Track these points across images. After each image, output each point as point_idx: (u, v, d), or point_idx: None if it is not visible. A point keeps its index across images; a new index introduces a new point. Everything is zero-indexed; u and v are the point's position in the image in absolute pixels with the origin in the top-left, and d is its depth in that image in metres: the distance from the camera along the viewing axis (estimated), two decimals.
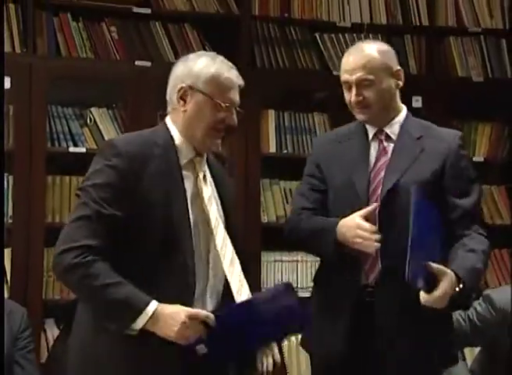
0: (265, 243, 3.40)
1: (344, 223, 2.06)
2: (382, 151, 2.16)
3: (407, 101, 2.31)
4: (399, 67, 2.19)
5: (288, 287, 1.85)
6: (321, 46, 3.64)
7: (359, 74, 2.11)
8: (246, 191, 3.40)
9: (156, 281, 1.82)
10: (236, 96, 1.95)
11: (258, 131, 3.45)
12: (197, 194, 1.92)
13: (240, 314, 1.80)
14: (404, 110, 2.23)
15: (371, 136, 2.18)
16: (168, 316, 1.76)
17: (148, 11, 3.44)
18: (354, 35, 3.67)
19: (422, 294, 1.94)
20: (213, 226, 1.90)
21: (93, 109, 3.34)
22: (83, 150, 3.24)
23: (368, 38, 3.59)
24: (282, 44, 3.59)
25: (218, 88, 1.92)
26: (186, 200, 1.89)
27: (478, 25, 3.82)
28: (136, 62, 3.37)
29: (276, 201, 3.53)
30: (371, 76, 2.11)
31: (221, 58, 1.98)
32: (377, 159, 2.15)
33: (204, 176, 1.95)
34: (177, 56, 3.06)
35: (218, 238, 1.90)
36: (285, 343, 2.79)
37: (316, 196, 2.23)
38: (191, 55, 1.98)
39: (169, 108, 1.98)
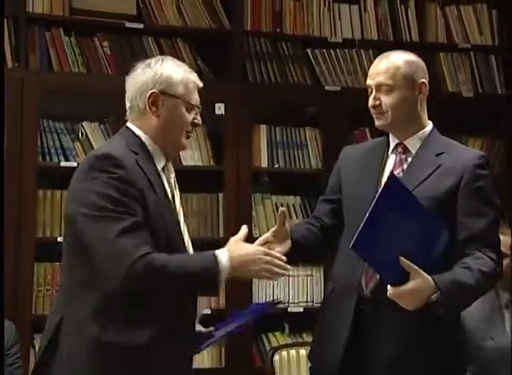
0: None
1: None
2: (397, 164, 2.14)
3: None
4: (424, 80, 2.15)
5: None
6: (313, 61, 3.66)
7: (379, 79, 2.12)
8: (237, 205, 3.40)
9: None
10: (198, 97, 1.99)
11: (250, 146, 3.46)
12: (172, 199, 1.95)
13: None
14: (430, 126, 2.18)
15: (391, 149, 2.17)
16: (249, 262, 1.87)
17: (141, 26, 3.45)
18: (346, 51, 3.69)
19: (389, 287, 1.93)
20: (182, 229, 1.95)
21: (84, 124, 3.35)
22: (75, 164, 3.22)
23: (359, 54, 3.65)
24: (274, 60, 3.61)
25: (188, 90, 1.95)
26: (171, 204, 1.93)
27: (468, 41, 3.87)
28: None
29: (268, 216, 3.53)
30: (390, 82, 2.10)
31: (179, 61, 2.01)
32: (391, 172, 2.12)
33: (174, 181, 1.99)
34: None
35: (186, 240, 1.95)
36: (276, 357, 2.78)
37: (325, 207, 2.27)
38: (152, 61, 1.97)
39: (132, 115, 1.96)
